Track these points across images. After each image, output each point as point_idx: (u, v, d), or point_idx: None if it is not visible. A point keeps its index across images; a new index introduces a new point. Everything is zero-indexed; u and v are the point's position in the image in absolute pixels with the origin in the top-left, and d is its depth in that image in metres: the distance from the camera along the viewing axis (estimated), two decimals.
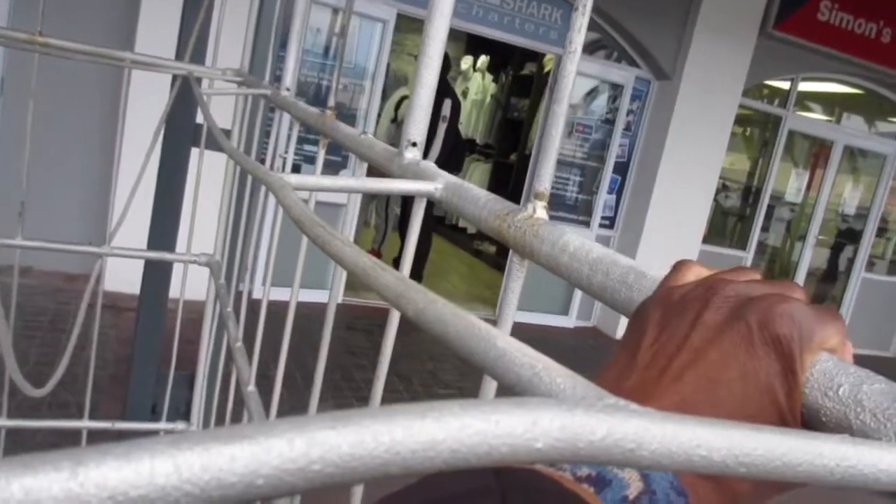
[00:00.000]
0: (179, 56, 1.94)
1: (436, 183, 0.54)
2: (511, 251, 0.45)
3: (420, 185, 0.54)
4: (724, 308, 0.33)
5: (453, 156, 5.87)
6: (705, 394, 0.31)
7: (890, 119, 7.53)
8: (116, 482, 0.10)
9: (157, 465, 0.11)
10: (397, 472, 0.11)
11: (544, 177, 0.44)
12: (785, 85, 6.73)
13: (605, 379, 0.34)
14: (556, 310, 6.13)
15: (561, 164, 6.06)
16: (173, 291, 2.20)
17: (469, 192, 0.50)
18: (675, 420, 0.14)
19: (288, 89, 1.18)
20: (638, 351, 0.34)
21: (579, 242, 0.38)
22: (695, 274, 0.36)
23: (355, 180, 0.53)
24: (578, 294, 6.14)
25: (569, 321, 6.16)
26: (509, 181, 7.93)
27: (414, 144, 0.62)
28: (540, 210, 0.43)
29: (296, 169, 4.36)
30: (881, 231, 7.79)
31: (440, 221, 7.60)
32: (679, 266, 0.36)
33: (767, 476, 0.14)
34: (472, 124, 8.85)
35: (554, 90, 0.43)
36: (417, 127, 0.60)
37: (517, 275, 0.44)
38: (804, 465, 0.15)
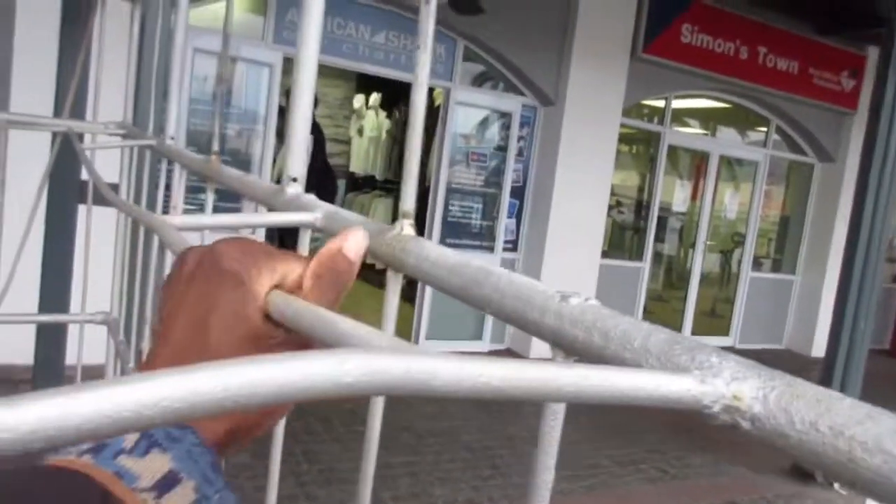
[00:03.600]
0: (58, 112, 1.90)
1: (315, 213, 0.58)
2: (387, 270, 0.50)
3: (300, 216, 0.57)
4: (192, 261, 0.41)
5: (325, 185, 6.26)
6: (195, 332, 0.38)
7: (758, 129, 8.14)
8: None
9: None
10: (235, 408, 0.15)
11: (408, 196, 0.48)
12: (660, 103, 7.17)
13: (147, 354, 0.41)
14: (470, 335, 6.22)
15: (462, 192, 6.20)
16: (70, 358, 2.11)
17: (345, 218, 0.54)
18: (458, 357, 0.18)
19: (172, 138, 1.19)
20: (155, 326, 0.41)
21: (438, 251, 0.42)
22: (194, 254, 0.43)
23: (237, 216, 0.56)
24: (490, 318, 6.26)
25: (483, 345, 6.25)
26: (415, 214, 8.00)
27: (294, 180, 0.65)
28: (407, 227, 0.48)
29: None
30: (763, 232, 8.35)
31: None
32: (183, 253, 0.43)
33: (537, 398, 0.19)
34: (371, 161, 8.91)
35: (410, 120, 0.48)
36: (296, 163, 0.64)
37: (393, 288, 0.49)
38: (571, 388, 0.20)
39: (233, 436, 0.38)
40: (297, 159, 0.65)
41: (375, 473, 0.49)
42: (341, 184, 8.89)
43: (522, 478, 3.91)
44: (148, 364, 0.39)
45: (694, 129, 7.95)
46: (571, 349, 0.32)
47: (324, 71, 7.06)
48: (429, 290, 5.90)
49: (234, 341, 0.37)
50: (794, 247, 8.50)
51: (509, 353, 6.31)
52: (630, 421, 5.13)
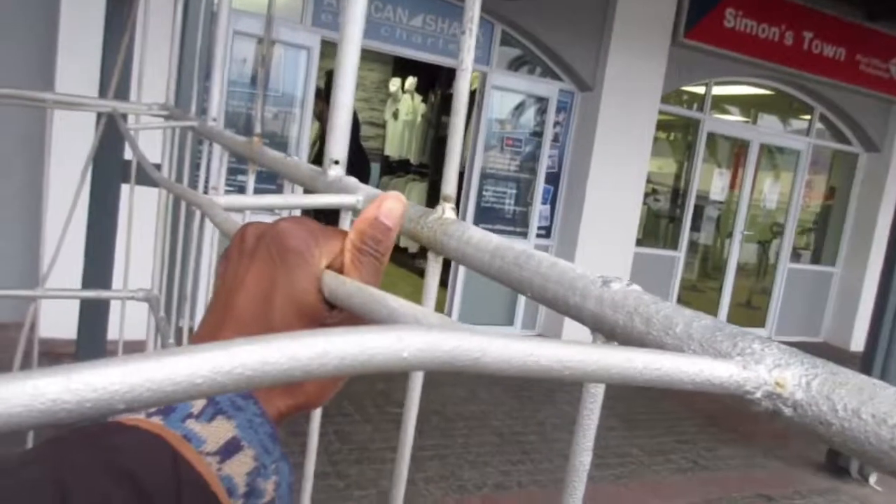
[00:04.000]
0: (103, 93, 1.94)
1: (357, 195, 0.59)
2: (427, 251, 0.51)
3: (342, 198, 0.58)
4: (252, 238, 0.42)
5: (355, 166, 6.19)
6: (258, 307, 0.39)
7: (801, 117, 7.95)
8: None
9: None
10: (301, 377, 0.16)
11: (450, 182, 0.49)
12: (700, 90, 7.04)
13: (202, 326, 0.42)
14: (501, 319, 6.23)
15: (496, 177, 6.18)
16: (111, 333, 2.17)
17: None
18: (507, 336, 0.19)
19: (214, 119, 1.21)
20: (215, 299, 0.42)
21: (481, 235, 0.43)
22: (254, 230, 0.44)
23: (281, 197, 0.58)
24: (522, 303, 6.25)
25: (514, 330, 6.25)
26: None
27: (336, 162, 0.66)
28: (448, 211, 0.48)
29: None
30: (803, 223, 8.18)
31: None
32: (242, 228, 0.44)
33: (582, 378, 0.20)
34: (406, 145, 8.93)
35: (454, 104, 0.49)
36: (338, 146, 0.65)
37: (433, 270, 0.50)
38: (617, 370, 0.20)
39: (291, 410, 0.40)
40: (340, 142, 0.66)
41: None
42: (375, 167, 8.93)
43: (552, 463, 3.92)
44: (209, 335, 0.40)
45: (734, 117, 7.79)
46: (612, 333, 0.32)
47: (361, 54, 7.06)
48: (461, 273, 5.91)
49: (296, 318, 0.39)
50: (835, 238, 8.31)
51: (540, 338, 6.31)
52: (659, 411, 5.10)
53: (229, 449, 0.35)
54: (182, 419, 0.35)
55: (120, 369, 0.14)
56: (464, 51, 0.45)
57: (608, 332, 0.32)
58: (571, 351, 0.20)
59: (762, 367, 0.24)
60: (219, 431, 0.35)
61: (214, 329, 0.40)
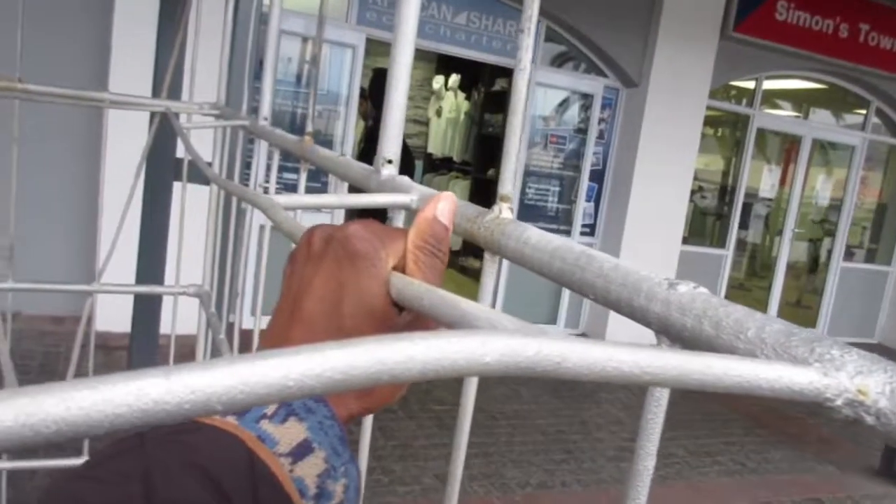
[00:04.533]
0: (156, 93, 1.99)
1: (411, 195, 0.59)
2: (484, 252, 0.50)
3: (397, 197, 0.59)
4: (319, 240, 0.42)
5: (401, 164, 6.14)
6: (328, 310, 0.39)
7: (856, 111, 7.71)
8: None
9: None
10: (387, 381, 0.16)
11: (507, 181, 0.49)
12: (750, 84, 6.88)
13: (270, 328, 0.42)
14: (544, 318, 6.19)
15: (538, 175, 6.15)
16: (164, 328, 2.22)
17: None
18: (586, 341, 0.19)
19: (266, 119, 1.23)
20: (282, 301, 0.42)
21: (539, 235, 0.43)
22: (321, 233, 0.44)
23: (338, 196, 0.58)
24: (566, 301, 6.21)
25: (557, 329, 6.21)
26: (489, 196, 7.99)
27: (389, 161, 0.67)
28: (505, 211, 0.48)
29: None
30: (856, 220, 7.94)
31: None
32: (310, 231, 0.44)
33: (661, 384, 0.19)
34: (449, 143, 8.93)
35: (511, 103, 0.48)
36: (391, 145, 0.65)
37: (489, 270, 0.49)
38: (696, 376, 0.20)
39: (361, 412, 0.41)
40: (393, 141, 0.66)
41: (448, 452, 0.50)
42: (419, 165, 8.95)
43: (595, 462, 3.88)
44: (278, 339, 0.40)
45: (786, 112, 7.60)
46: (679, 337, 0.31)
47: None
48: (504, 271, 5.89)
49: (366, 321, 0.39)
50: (891, 236, 8.04)
51: (585, 338, 6.25)
52: (703, 412, 5.01)
53: (301, 450, 0.35)
54: (256, 420, 0.35)
55: (216, 372, 0.15)
56: (522, 49, 0.45)
57: (675, 335, 0.31)
58: (650, 356, 0.19)
59: (843, 375, 0.24)
60: (291, 433, 0.35)
61: (283, 331, 0.40)
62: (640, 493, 0.34)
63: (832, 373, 0.24)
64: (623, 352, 0.19)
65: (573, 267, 0.38)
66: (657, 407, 0.33)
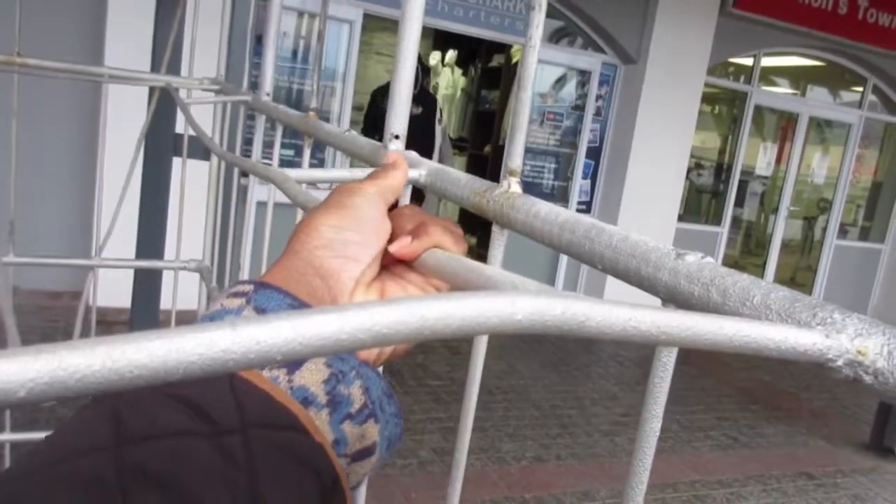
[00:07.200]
0: (155, 67, 1.98)
1: (420, 169, 0.60)
2: (492, 224, 0.52)
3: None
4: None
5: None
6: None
7: (853, 88, 7.70)
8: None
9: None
10: (429, 336, 0.17)
11: (516, 155, 0.50)
12: (748, 61, 6.86)
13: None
14: None
15: (535, 152, 6.14)
16: (164, 303, 2.23)
17: (450, 175, 0.56)
18: (608, 302, 0.20)
19: (268, 94, 1.23)
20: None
21: (548, 209, 0.44)
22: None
23: (348, 171, 0.59)
24: (563, 267, 6.24)
25: None
26: (485, 172, 8.00)
27: (397, 137, 0.67)
28: (514, 185, 0.49)
29: None
30: (851, 198, 7.96)
31: None
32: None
33: (676, 343, 0.21)
34: (446, 118, 8.90)
35: (519, 80, 0.49)
36: (398, 120, 0.66)
37: (498, 243, 0.51)
38: (709, 336, 0.21)
39: (375, 363, 0.42)
40: (400, 116, 0.67)
41: (444, 426, 0.52)
42: None
43: (590, 437, 3.94)
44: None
45: (783, 89, 7.58)
46: (686, 304, 0.33)
47: (399, 28, 7.03)
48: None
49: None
50: (885, 215, 8.08)
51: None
52: (698, 388, 5.07)
53: (295, 362, 0.33)
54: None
55: (278, 325, 0.16)
56: (532, 27, 0.46)
57: (683, 302, 0.33)
58: (667, 317, 0.21)
59: (844, 336, 0.25)
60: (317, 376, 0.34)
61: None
62: (647, 455, 0.36)
63: (834, 335, 0.25)
64: (642, 313, 0.21)
65: (583, 239, 0.40)
66: (664, 371, 0.35)
